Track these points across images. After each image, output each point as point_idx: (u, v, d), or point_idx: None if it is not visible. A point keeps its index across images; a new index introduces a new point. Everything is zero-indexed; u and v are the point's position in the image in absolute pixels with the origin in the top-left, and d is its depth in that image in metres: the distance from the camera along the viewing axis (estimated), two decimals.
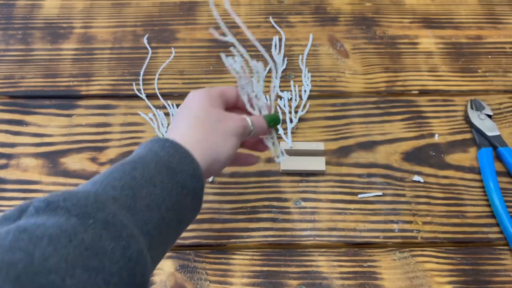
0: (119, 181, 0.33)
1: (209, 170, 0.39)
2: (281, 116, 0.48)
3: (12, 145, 0.57)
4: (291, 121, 0.58)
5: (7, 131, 0.58)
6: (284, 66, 0.63)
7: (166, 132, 0.58)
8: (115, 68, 0.64)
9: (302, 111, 0.59)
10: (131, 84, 0.62)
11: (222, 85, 0.62)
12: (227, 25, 0.68)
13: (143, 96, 0.61)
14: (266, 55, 0.45)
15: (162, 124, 0.58)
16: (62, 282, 0.25)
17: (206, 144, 0.39)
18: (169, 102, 0.60)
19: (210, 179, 0.54)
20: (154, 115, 0.59)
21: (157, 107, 0.60)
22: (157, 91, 0.61)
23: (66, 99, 0.61)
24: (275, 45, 0.65)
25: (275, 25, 0.68)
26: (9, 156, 0.56)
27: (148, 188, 0.33)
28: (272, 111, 0.46)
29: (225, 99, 0.44)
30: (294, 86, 0.61)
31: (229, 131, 0.40)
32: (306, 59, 0.64)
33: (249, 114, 0.46)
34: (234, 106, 0.46)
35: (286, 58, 0.64)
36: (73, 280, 0.25)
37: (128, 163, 0.35)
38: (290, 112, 0.59)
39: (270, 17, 0.69)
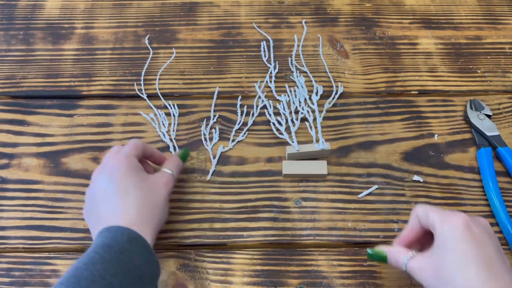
0: (64, 277, 0.38)
1: (155, 234, 0.46)
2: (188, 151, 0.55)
3: (14, 145, 0.58)
4: (293, 124, 0.58)
5: (8, 131, 0.59)
6: (276, 70, 0.63)
7: (166, 132, 0.58)
8: (116, 68, 0.64)
9: (321, 113, 0.59)
10: (132, 84, 0.62)
11: (223, 85, 0.62)
12: (227, 25, 0.68)
13: (144, 96, 0.61)
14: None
15: (163, 124, 0.59)
16: None
17: (151, 224, 0.45)
18: (170, 102, 0.60)
19: (208, 177, 0.55)
20: (155, 115, 0.60)
21: (158, 107, 0.60)
22: (158, 91, 0.62)
23: (67, 99, 0.61)
24: (264, 50, 0.65)
25: (259, 30, 0.68)
26: (10, 156, 0.57)
27: (89, 269, 0.38)
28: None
29: (138, 158, 0.49)
30: (290, 89, 0.61)
31: (162, 192, 0.47)
32: (306, 60, 0.64)
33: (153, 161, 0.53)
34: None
35: (277, 62, 0.64)
36: None
37: (73, 264, 0.40)
38: (290, 113, 0.59)
39: (254, 23, 0.69)
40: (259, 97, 0.60)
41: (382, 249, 0.44)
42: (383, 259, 0.43)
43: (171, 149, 0.57)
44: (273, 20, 0.69)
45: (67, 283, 0.37)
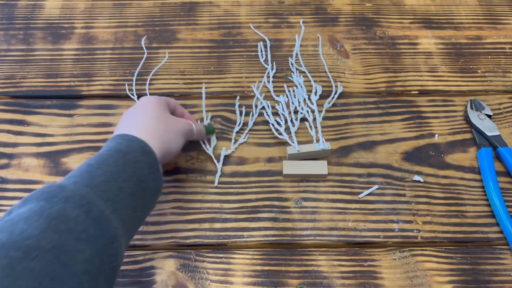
0: (78, 171, 0.40)
1: (162, 160, 0.47)
2: (215, 130, 0.58)
3: (14, 145, 0.58)
4: (293, 124, 0.58)
5: (8, 131, 0.59)
6: (274, 70, 0.63)
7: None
8: (116, 68, 0.64)
9: (321, 112, 0.59)
10: (132, 84, 0.62)
11: (223, 85, 0.62)
12: (227, 25, 0.68)
13: (135, 98, 0.61)
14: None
15: None
16: (37, 243, 0.32)
17: (161, 139, 0.46)
18: None
19: (215, 183, 0.54)
20: None
21: None
22: (147, 92, 0.62)
23: (67, 99, 0.61)
24: (261, 51, 0.65)
25: (255, 30, 0.68)
26: (10, 156, 0.57)
27: (102, 168, 0.40)
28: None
29: (169, 108, 0.52)
30: (289, 89, 0.61)
31: (179, 132, 0.49)
32: (306, 60, 0.64)
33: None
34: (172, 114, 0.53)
35: (275, 61, 0.64)
36: (47, 240, 0.32)
37: (86, 160, 0.42)
38: (289, 113, 0.59)
39: (250, 24, 0.69)
40: (258, 98, 0.60)
41: None
42: None
43: None
44: (273, 20, 0.69)
45: (80, 177, 0.39)
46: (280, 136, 0.57)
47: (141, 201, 0.42)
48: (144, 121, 0.47)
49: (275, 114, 0.59)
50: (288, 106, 0.59)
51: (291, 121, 0.58)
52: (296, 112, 0.59)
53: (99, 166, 0.40)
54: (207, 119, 0.59)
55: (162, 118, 0.48)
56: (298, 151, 0.55)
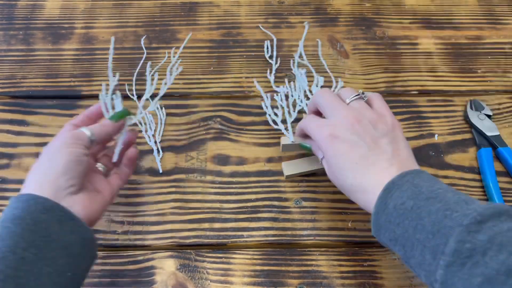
0: None
1: (51, 184, 0.41)
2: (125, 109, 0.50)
3: (14, 145, 0.58)
4: (290, 115, 0.57)
5: (8, 131, 0.59)
6: (278, 64, 0.63)
7: (152, 135, 0.58)
8: (116, 69, 0.64)
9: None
10: (132, 84, 0.62)
11: (223, 85, 0.62)
12: (227, 25, 0.68)
13: (135, 97, 0.61)
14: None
15: (150, 127, 0.58)
16: None
17: (73, 188, 0.41)
18: (158, 104, 0.60)
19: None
20: (153, 115, 0.59)
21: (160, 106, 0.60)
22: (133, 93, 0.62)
23: (67, 99, 0.61)
24: (267, 48, 0.65)
25: (264, 30, 0.68)
26: (10, 156, 0.57)
27: None
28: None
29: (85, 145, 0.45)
30: (289, 82, 0.61)
31: (57, 144, 0.43)
32: (307, 58, 0.64)
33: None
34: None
35: (279, 59, 0.64)
36: None
37: None
38: (288, 106, 0.59)
39: (259, 25, 0.69)
40: (261, 98, 0.60)
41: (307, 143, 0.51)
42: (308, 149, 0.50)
43: (155, 152, 0.57)
44: (273, 20, 0.69)
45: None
46: (275, 126, 0.57)
47: (51, 266, 0.37)
48: (34, 169, 0.43)
49: (275, 107, 0.59)
50: (287, 98, 0.59)
51: (289, 112, 0.57)
52: (295, 105, 0.59)
53: None
54: (112, 97, 0.49)
55: (50, 152, 0.43)
56: (292, 142, 0.54)
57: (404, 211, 0.37)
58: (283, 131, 0.55)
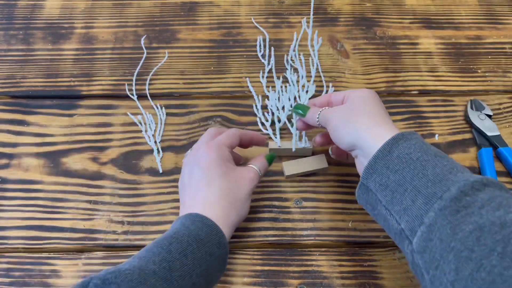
0: (158, 256, 0.39)
1: (233, 229, 0.46)
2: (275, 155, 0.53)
3: (14, 145, 0.58)
4: (279, 120, 0.57)
5: (8, 131, 0.59)
6: (270, 66, 0.63)
7: (152, 135, 0.58)
8: (116, 68, 0.64)
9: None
10: (132, 84, 0.62)
11: (223, 85, 0.62)
12: (227, 25, 0.68)
13: (135, 97, 0.61)
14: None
15: (150, 127, 0.58)
16: None
17: (229, 219, 0.45)
18: (158, 104, 0.60)
19: None
20: (154, 115, 0.59)
21: (153, 107, 0.60)
22: (147, 93, 0.62)
23: (67, 99, 0.61)
24: (259, 45, 0.65)
25: (256, 24, 0.68)
26: (10, 156, 0.57)
27: (181, 260, 0.40)
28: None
29: (231, 148, 0.49)
30: (281, 86, 0.61)
31: (247, 194, 0.47)
32: (306, 59, 0.64)
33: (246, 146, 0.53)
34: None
35: (272, 57, 0.64)
36: None
37: (166, 239, 0.41)
38: (278, 110, 0.59)
39: (252, 18, 0.69)
40: (262, 97, 0.60)
41: (304, 104, 0.51)
42: (304, 110, 0.50)
43: (155, 152, 0.57)
44: (273, 19, 0.69)
45: (159, 267, 0.38)
46: (264, 131, 0.57)
47: None
48: (211, 196, 0.45)
49: (265, 108, 0.59)
50: (279, 101, 0.59)
51: (277, 117, 0.57)
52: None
53: (178, 257, 0.40)
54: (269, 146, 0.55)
55: (226, 188, 0.46)
56: (279, 146, 0.55)
57: (408, 160, 0.38)
58: (271, 136, 0.56)
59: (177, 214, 0.52)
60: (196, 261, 0.40)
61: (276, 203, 0.53)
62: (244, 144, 0.52)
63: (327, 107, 0.48)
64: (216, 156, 0.46)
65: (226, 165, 0.47)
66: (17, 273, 0.49)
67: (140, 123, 0.59)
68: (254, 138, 0.52)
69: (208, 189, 0.45)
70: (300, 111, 0.50)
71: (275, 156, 0.53)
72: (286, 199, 0.53)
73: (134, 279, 0.36)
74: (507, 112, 0.60)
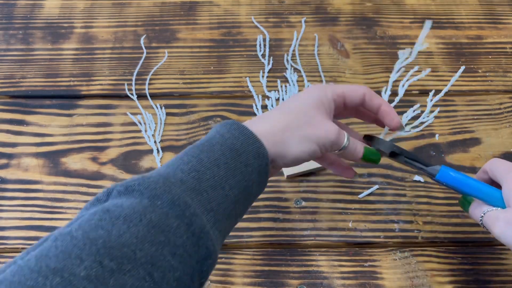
0: (187, 164, 0.36)
1: (273, 161, 0.41)
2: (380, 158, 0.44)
3: (13, 145, 0.57)
4: None
5: (8, 131, 0.59)
6: (270, 66, 0.63)
7: (152, 135, 0.58)
8: (116, 68, 0.64)
9: None
10: (131, 84, 0.62)
11: (222, 84, 0.62)
12: (227, 24, 0.68)
13: (134, 97, 0.61)
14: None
15: (149, 127, 0.58)
16: (133, 254, 0.29)
17: (278, 137, 0.40)
18: (158, 104, 0.60)
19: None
20: (154, 115, 0.59)
21: (154, 107, 0.60)
22: (147, 92, 0.61)
23: (66, 99, 0.61)
24: (259, 45, 0.65)
25: (257, 23, 0.68)
26: (10, 156, 0.57)
27: (212, 170, 0.36)
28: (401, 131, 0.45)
29: (341, 102, 0.43)
30: (281, 86, 0.61)
31: (309, 137, 0.40)
32: (306, 59, 0.64)
33: (376, 120, 0.46)
34: (358, 110, 0.45)
35: (272, 57, 0.64)
36: (142, 252, 0.30)
37: (197, 147, 0.38)
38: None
39: (252, 17, 0.69)
40: (262, 97, 0.60)
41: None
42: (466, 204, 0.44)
43: (155, 152, 0.56)
44: (273, 19, 0.69)
45: (188, 175, 0.35)
46: None
47: (242, 207, 0.39)
48: (276, 112, 0.41)
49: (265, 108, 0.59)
50: (278, 103, 0.59)
51: None
52: None
53: (209, 166, 0.36)
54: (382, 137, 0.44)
55: (295, 116, 0.40)
56: None
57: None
58: None
59: None
60: (229, 172, 0.36)
61: (276, 203, 0.53)
62: (365, 114, 0.45)
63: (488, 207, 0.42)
64: (314, 100, 0.41)
65: (315, 109, 0.41)
66: None
67: (140, 123, 0.59)
68: (381, 107, 0.43)
69: (280, 112, 0.41)
70: (463, 207, 0.44)
71: (377, 160, 0.43)
72: (286, 199, 0.53)
73: (159, 187, 0.33)
74: (508, 112, 0.60)
